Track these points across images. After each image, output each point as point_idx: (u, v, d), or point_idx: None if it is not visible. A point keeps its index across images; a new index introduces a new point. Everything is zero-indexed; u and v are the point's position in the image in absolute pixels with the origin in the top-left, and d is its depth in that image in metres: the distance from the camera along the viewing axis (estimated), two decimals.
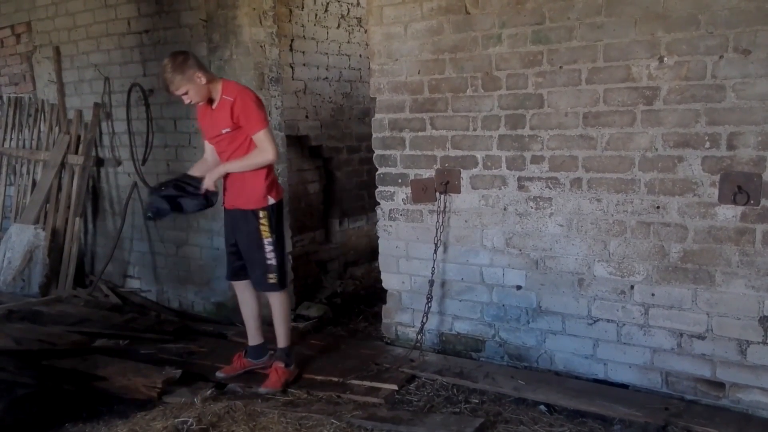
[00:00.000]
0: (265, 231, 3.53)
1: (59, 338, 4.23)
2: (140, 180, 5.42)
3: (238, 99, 3.42)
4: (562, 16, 3.29)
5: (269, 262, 3.55)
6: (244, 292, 3.76)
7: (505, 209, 3.63)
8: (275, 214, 3.57)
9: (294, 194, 5.30)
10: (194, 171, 3.70)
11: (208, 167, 3.64)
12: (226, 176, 3.55)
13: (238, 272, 3.73)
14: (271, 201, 3.54)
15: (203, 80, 3.40)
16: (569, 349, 3.54)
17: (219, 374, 3.74)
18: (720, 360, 3.12)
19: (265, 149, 3.43)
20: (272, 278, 3.58)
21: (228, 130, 3.46)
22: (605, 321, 3.41)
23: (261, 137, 3.42)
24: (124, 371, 3.62)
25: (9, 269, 5.64)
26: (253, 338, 3.81)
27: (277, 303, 3.64)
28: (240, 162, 3.48)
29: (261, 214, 3.52)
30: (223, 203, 3.67)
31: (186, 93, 3.42)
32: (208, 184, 3.52)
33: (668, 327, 3.23)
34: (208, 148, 3.70)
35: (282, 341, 3.67)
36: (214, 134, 3.56)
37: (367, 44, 4.12)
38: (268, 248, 3.54)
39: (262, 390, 3.53)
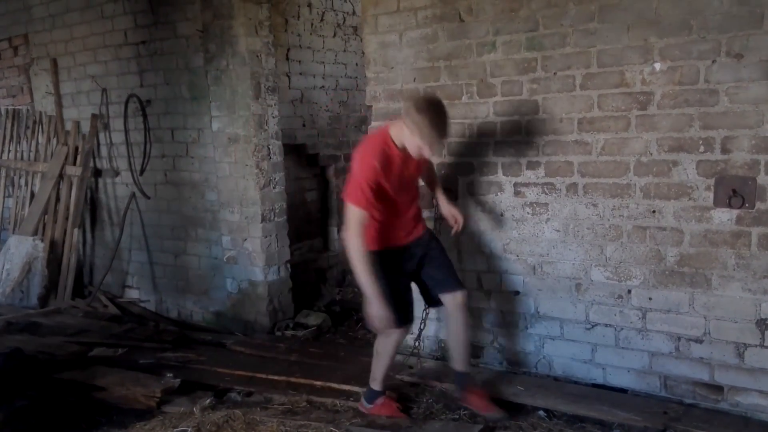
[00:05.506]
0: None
1: (58, 349, 4.23)
2: (138, 190, 5.43)
3: None
4: (555, 23, 3.31)
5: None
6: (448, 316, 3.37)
7: (501, 215, 3.64)
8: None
9: (292, 202, 5.30)
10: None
11: None
12: (404, 220, 3.23)
13: (431, 300, 3.42)
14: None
15: None
16: (567, 354, 3.54)
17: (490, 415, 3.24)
18: (718, 363, 3.12)
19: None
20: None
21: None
22: (603, 325, 3.41)
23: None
24: (123, 381, 3.62)
25: (8, 281, 5.64)
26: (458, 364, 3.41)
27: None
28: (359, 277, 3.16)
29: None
30: (402, 241, 3.26)
31: None
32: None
33: (666, 331, 3.23)
34: None
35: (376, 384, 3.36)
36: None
37: (362, 53, 4.13)
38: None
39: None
